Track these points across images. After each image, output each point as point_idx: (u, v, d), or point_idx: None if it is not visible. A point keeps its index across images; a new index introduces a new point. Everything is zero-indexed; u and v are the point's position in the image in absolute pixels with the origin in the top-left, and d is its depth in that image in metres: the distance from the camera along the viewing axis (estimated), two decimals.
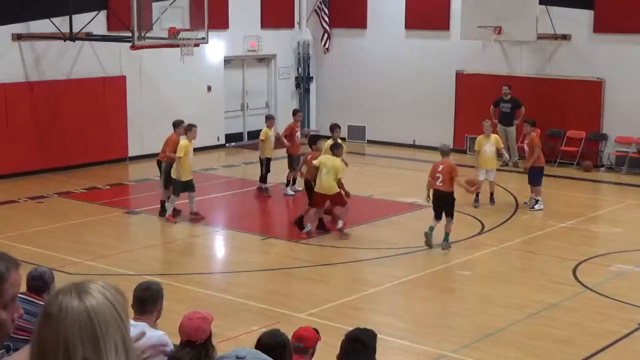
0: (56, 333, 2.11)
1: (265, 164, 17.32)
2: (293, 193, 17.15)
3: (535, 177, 16.10)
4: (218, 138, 22.77)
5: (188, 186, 15.15)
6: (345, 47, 24.51)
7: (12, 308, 2.44)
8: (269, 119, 17.68)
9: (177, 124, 15.51)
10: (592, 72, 20.55)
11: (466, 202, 16.62)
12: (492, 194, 16.61)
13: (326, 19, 24.52)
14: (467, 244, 14.04)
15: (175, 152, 14.92)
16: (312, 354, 5.99)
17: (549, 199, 16.57)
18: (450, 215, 13.51)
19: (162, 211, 15.44)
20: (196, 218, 15.32)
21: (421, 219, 15.84)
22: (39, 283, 6.71)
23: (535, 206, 16.05)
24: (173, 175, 15.02)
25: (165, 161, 15.40)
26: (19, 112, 18.63)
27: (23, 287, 6.51)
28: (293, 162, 17.20)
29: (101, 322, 2.12)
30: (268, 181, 17.48)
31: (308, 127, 24.71)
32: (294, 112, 18.36)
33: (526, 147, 16.40)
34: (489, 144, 16.45)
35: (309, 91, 25.24)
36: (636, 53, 20.01)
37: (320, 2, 24.50)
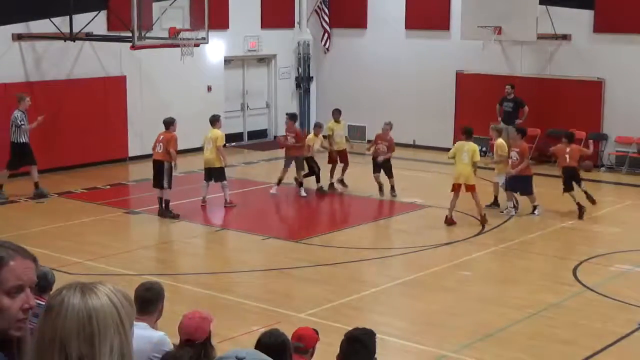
0: (54, 327, 2.14)
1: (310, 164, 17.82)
2: (305, 195, 17.37)
3: (529, 186, 15.81)
4: None
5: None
6: (345, 47, 24.51)
7: (19, 297, 2.36)
8: (318, 127, 18.00)
9: (171, 122, 15.73)
10: (592, 72, 20.54)
11: (467, 204, 16.63)
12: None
13: (326, 19, 24.52)
14: (467, 244, 14.04)
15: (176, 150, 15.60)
16: (312, 354, 5.99)
17: (549, 198, 16.56)
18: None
19: (166, 210, 15.50)
20: (230, 206, 16.31)
21: (421, 219, 15.85)
22: (43, 283, 6.73)
23: (535, 212, 15.86)
24: (219, 164, 16.05)
25: (167, 161, 15.45)
26: None
27: None
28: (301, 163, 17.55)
29: (100, 322, 2.14)
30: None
31: (308, 130, 24.71)
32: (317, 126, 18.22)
33: (515, 155, 15.75)
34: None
35: (309, 91, 25.24)
36: (636, 53, 20.01)
37: (321, 2, 24.50)
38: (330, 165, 17.87)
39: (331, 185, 17.83)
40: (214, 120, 16.40)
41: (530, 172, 15.90)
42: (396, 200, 16.90)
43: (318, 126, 18.16)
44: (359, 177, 18.30)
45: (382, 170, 17.19)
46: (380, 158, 16.93)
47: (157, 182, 15.62)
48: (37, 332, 2.19)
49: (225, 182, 16.25)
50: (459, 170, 15.25)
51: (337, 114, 18.28)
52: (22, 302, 2.34)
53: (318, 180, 17.66)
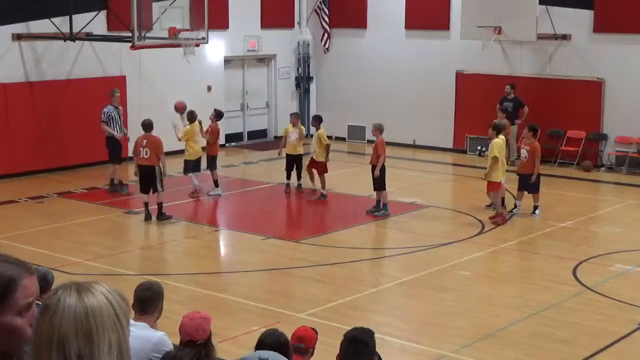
0: (52, 327, 2.15)
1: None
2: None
3: (538, 184, 15.87)
4: None
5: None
6: (345, 47, 24.51)
7: (28, 315, 2.33)
8: (294, 117, 17.96)
9: (152, 124, 15.52)
10: (592, 72, 20.55)
11: (467, 204, 16.61)
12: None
13: (326, 19, 24.52)
14: (467, 244, 14.04)
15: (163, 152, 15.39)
16: (312, 354, 5.99)
17: (549, 199, 16.55)
18: None
19: (160, 213, 15.37)
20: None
21: (421, 219, 15.84)
22: (42, 284, 6.71)
23: (536, 212, 15.86)
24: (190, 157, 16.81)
25: (157, 165, 15.32)
26: (19, 112, 18.63)
27: None
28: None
29: (97, 320, 2.16)
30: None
31: (308, 130, 24.74)
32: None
33: (524, 153, 15.78)
34: None
35: (309, 91, 25.24)
36: (636, 53, 20.01)
37: (320, 2, 24.50)
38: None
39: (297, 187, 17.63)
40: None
41: (539, 170, 15.90)
42: (396, 200, 16.88)
43: (294, 116, 17.98)
44: (359, 178, 18.31)
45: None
46: (376, 172, 15.78)
47: (148, 187, 15.32)
48: (34, 332, 2.20)
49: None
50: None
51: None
52: (30, 318, 2.31)
53: (298, 178, 17.54)
